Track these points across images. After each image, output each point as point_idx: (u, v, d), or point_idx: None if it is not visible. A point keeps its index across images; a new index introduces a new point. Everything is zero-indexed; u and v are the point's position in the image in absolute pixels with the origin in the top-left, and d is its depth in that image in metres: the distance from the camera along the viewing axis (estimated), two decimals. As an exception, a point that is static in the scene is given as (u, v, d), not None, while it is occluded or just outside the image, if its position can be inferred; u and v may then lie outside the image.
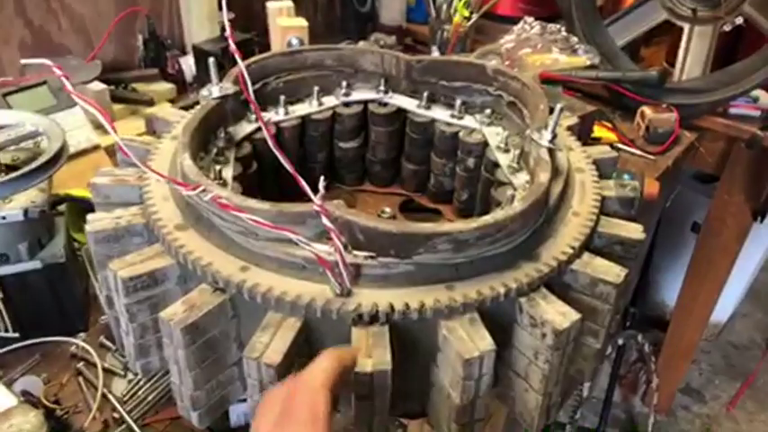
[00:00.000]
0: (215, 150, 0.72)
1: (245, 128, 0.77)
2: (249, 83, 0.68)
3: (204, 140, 0.71)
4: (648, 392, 2.09)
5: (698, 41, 1.37)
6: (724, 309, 2.30)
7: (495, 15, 1.68)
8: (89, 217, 0.62)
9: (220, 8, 1.42)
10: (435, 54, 1.54)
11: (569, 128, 0.80)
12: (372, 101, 0.86)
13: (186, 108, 0.86)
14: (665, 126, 1.32)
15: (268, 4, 1.37)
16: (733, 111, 1.39)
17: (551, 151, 0.64)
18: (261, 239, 0.54)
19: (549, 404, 0.59)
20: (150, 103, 1.30)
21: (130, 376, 0.78)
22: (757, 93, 1.39)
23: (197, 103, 0.75)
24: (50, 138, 0.77)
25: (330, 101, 0.86)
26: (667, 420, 2.17)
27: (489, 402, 0.55)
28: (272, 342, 0.50)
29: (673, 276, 2.18)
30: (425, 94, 0.84)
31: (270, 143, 0.61)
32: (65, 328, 0.82)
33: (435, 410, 0.58)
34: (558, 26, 1.45)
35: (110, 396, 0.74)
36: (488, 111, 0.81)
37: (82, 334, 0.83)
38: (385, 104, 0.86)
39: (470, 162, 0.81)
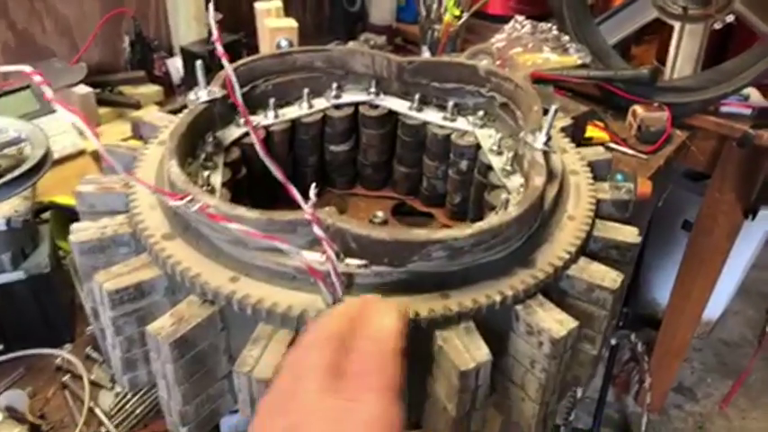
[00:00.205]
0: (203, 156, 0.70)
1: (233, 132, 0.75)
2: (237, 87, 0.67)
3: (192, 146, 0.69)
4: (641, 392, 2.10)
5: (689, 40, 1.37)
6: (715, 306, 2.31)
7: (485, 14, 1.68)
8: (73, 227, 0.60)
9: (207, 9, 1.40)
10: (426, 54, 1.53)
11: (563, 129, 0.79)
12: (363, 103, 0.85)
13: (174, 112, 0.85)
14: (656, 125, 1.32)
15: (256, 5, 1.35)
16: (724, 109, 1.39)
17: (546, 154, 0.63)
18: (251, 249, 0.53)
19: (547, 413, 0.58)
20: (137, 105, 1.28)
21: (118, 389, 0.76)
22: (748, 91, 1.39)
23: (185, 106, 0.73)
24: (34, 144, 0.75)
25: (320, 103, 0.84)
26: (660, 419, 2.18)
27: (486, 413, 0.54)
28: (263, 355, 0.49)
29: (664, 275, 2.18)
30: (417, 95, 0.82)
31: (259, 151, 0.59)
32: (50, 340, 0.80)
33: (431, 423, 0.57)
34: (549, 25, 1.44)
35: (97, 410, 0.73)
36: (481, 112, 0.80)
37: (68, 345, 0.82)
38: (376, 106, 0.84)
39: (463, 165, 0.80)
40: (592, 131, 1.32)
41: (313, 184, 0.49)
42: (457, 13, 1.51)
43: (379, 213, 0.81)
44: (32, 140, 0.76)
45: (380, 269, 0.52)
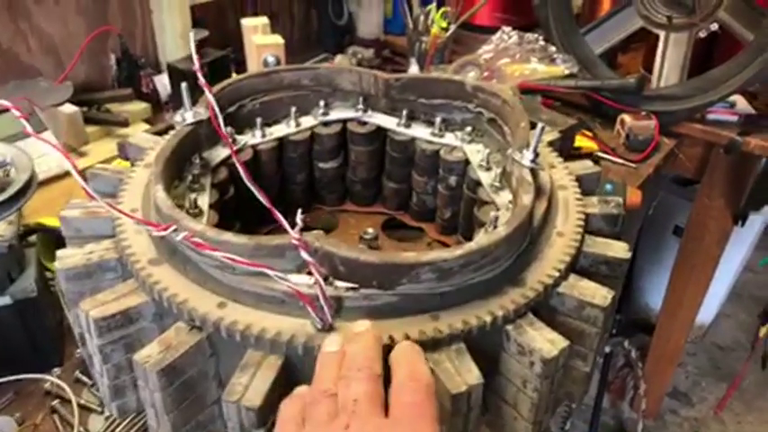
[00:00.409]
0: (190, 177, 0.70)
1: (220, 152, 0.75)
2: (221, 117, 0.66)
3: (178, 168, 0.69)
4: (636, 398, 2.10)
5: (674, 48, 1.38)
6: (708, 310, 2.32)
7: (472, 26, 1.68)
8: (59, 254, 0.59)
9: (194, 26, 1.40)
10: (414, 66, 1.54)
11: (550, 143, 0.79)
12: (351, 120, 0.85)
13: (160, 132, 0.84)
14: (644, 133, 1.33)
15: (243, 22, 1.35)
16: (711, 116, 1.40)
17: (534, 171, 0.63)
18: (238, 274, 0.52)
19: (540, 431, 0.58)
20: (125, 123, 1.28)
21: (108, 413, 0.75)
22: (734, 98, 1.40)
23: (172, 126, 0.73)
24: (18, 168, 0.75)
25: (308, 121, 0.84)
26: (656, 425, 2.18)
27: (479, 434, 0.54)
28: (252, 383, 0.48)
29: (657, 280, 2.19)
30: (405, 111, 0.82)
31: (244, 177, 0.59)
32: (38, 364, 0.79)
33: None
34: (536, 35, 1.45)
35: (86, 435, 0.72)
36: (469, 128, 0.80)
37: (57, 369, 0.80)
38: (364, 123, 0.84)
39: (452, 180, 0.80)
40: (580, 141, 1.32)
41: (299, 210, 0.49)
42: (444, 24, 1.52)
43: (370, 230, 0.81)
44: (17, 164, 0.76)
45: (370, 292, 0.52)
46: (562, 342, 0.52)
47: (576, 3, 1.77)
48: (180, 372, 0.51)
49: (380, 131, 0.84)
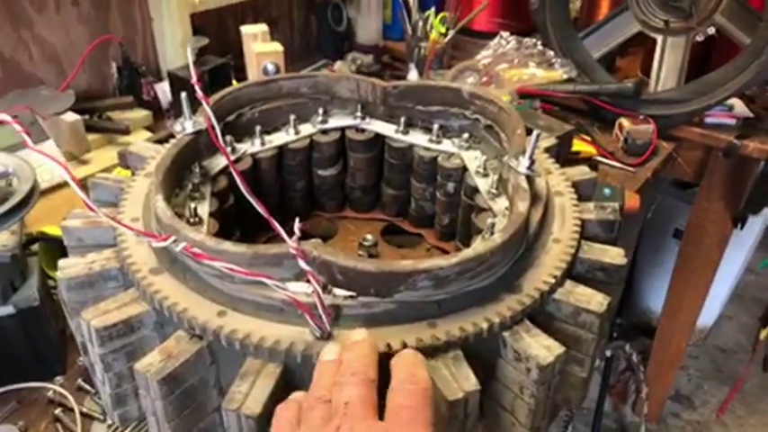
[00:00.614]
0: (190, 186, 0.70)
1: (220, 161, 0.76)
2: (218, 129, 0.67)
3: (179, 177, 0.70)
4: (638, 401, 2.10)
5: (671, 52, 1.39)
6: (710, 312, 2.32)
7: (471, 31, 1.69)
8: (61, 263, 0.60)
9: (195, 34, 1.41)
10: (413, 72, 1.55)
11: (547, 149, 0.79)
12: (350, 127, 0.85)
13: (161, 141, 0.85)
14: (642, 137, 1.33)
15: (243, 29, 1.36)
16: (709, 120, 1.41)
17: (530, 178, 0.64)
18: (237, 282, 0.53)
19: (538, 437, 0.58)
20: (126, 131, 1.29)
21: (110, 421, 0.76)
22: (732, 101, 1.40)
23: (173, 135, 0.74)
24: (21, 178, 0.75)
25: (307, 129, 0.85)
26: (658, 428, 2.18)
27: (476, 440, 0.55)
28: (251, 391, 0.49)
29: (657, 283, 2.19)
30: (402, 119, 0.83)
31: (242, 188, 0.60)
32: (41, 373, 0.80)
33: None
34: (534, 40, 1.46)
35: (89, 443, 0.72)
36: (466, 134, 0.81)
37: (59, 377, 0.81)
38: (362, 130, 0.85)
39: (450, 187, 0.81)
40: (579, 145, 1.33)
41: (297, 219, 0.49)
42: (443, 30, 1.53)
43: (369, 236, 0.82)
44: (19, 174, 0.76)
45: (367, 300, 0.52)
46: (558, 348, 0.52)
47: (574, 7, 1.78)
48: (181, 380, 0.52)
49: (379, 138, 0.85)
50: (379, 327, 0.52)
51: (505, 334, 0.54)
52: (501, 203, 0.70)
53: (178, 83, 1.31)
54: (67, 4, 1.29)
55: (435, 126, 0.82)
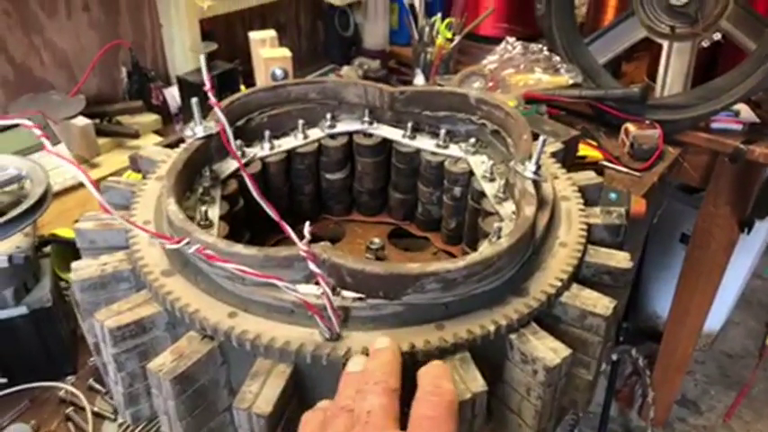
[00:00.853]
0: (200, 190, 0.71)
1: (230, 165, 0.77)
2: (230, 133, 0.68)
3: (189, 181, 0.71)
4: (645, 406, 2.10)
5: (677, 58, 1.39)
6: (717, 318, 2.31)
7: (477, 36, 1.70)
8: (74, 265, 0.61)
9: (204, 39, 1.43)
10: (419, 77, 1.56)
11: (553, 154, 0.80)
12: (357, 132, 0.86)
13: (171, 145, 0.86)
14: (649, 142, 1.34)
15: (251, 35, 1.38)
16: (715, 125, 1.41)
17: (536, 183, 0.65)
18: (248, 284, 0.54)
19: (544, 438, 0.59)
20: (135, 135, 1.30)
21: (121, 420, 0.77)
22: (738, 107, 1.41)
23: (182, 139, 0.75)
24: (34, 181, 0.77)
25: (315, 133, 0.86)
26: (664, 433, 2.17)
27: (483, 441, 0.55)
28: (262, 391, 0.50)
29: (664, 288, 2.19)
30: (410, 123, 0.84)
31: (253, 192, 0.61)
32: (53, 372, 0.81)
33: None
34: (540, 46, 1.46)
35: (100, 442, 0.73)
36: (473, 139, 0.81)
37: (71, 377, 0.82)
38: (370, 135, 0.86)
39: (457, 191, 0.81)
40: (585, 150, 1.33)
41: (307, 222, 0.50)
42: (449, 35, 1.54)
43: (376, 239, 0.82)
44: (32, 177, 0.78)
45: (376, 302, 0.53)
46: (565, 351, 0.53)
47: (580, 13, 1.79)
48: (192, 380, 0.53)
49: (386, 143, 0.86)
50: (387, 329, 0.53)
51: (512, 336, 0.55)
52: (508, 208, 0.71)
53: (187, 88, 1.32)
54: (78, 10, 1.31)
55: (442, 131, 0.83)
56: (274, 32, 1.38)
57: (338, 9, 1.73)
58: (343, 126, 0.86)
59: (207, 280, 0.57)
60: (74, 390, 0.80)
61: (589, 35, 1.50)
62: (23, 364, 0.80)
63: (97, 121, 1.27)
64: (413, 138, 0.84)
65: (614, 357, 1.89)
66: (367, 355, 0.50)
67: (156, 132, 1.36)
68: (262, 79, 1.35)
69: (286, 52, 1.32)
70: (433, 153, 0.83)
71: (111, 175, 1.05)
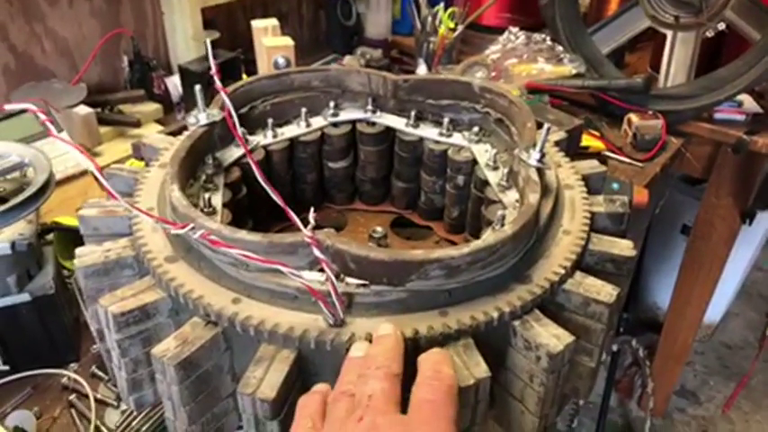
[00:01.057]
0: (204, 177, 0.71)
1: (233, 153, 0.77)
2: (235, 118, 0.68)
3: (192, 168, 0.71)
4: (644, 396, 2.10)
5: (681, 48, 1.38)
6: (717, 309, 2.32)
7: (480, 26, 1.69)
8: (77, 251, 0.61)
9: (205, 28, 1.42)
10: (422, 67, 1.55)
11: (557, 143, 0.80)
12: (360, 120, 0.86)
13: (173, 133, 0.86)
14: (651, 133, 1.33)
15: (253, 23, 1.37)
16: (718, 116, 1.40)
17: (540, 171, 0.64)
18: (252, 270, 0.54)
19: (546, 425, 0.59)
20: (137, 124, 1.30)
21: (124, 407, 0.77)
22: (741, 97, 1.40)
23: (184, 127, 0.75)
24: (37, 169, 0.77)
25: (318, 122, 0.85)
26: (663, 423, 2.18)
27: (486, 427, 0.55)
28: (266, 376, 0.50)
29: (664, 279, 2.19)
30: (413, 112, 0.84)
31: (259, 178, 0.61)
32: (56, 360, 0.81)
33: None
34: (543, 36, 1.46)
35: (103, 429, 0.74)
36: (476, 128, 0.81)
37: (73, 364, 0.83)
38: (373, 124, 0.86)
39: (460, 180, 0.81)
40: (588, 140, 1.33)
41: (312, 209, 0.50)
42: (452, 25, 1.53)
43: (379, 228, 0.82)
44: (35, 165, 0.77)
45: (380, 288, 0.53)
46: (568, 337, 0.53)
47: (584, 2, 1.78)
48: (196, 365, 0.53)
49: (389, 132, 0.86)
50: (390, 315, 0.53)
51: (515, 323, 0.55)
52: (511, 196, 0.70)
53: (189, 76, 1.32)
54: (80, -2, 1.31)
55: (445, 119, 0.82)
56: (276, 21, 1.37)
57: (340, -2, 1.72)
58: (346, 114, 0.86)
59: (210, 266, 0.57)
60: (76, 377, 0.80)
61: (592, 25, 1.49)
62: (26, 351, 0.80)
63: (99, 109, 1.27)
64: (416, 126, 0.84)
65: (614, 348, 1.90)
66: (370, 341, 0.51)
67: (158, 121, 1.36)
68: (264, 68, 1.35)
69: (288, 41, 1.31)
70: (437, 142, 0.83)
71: (113, 163, 1.05)
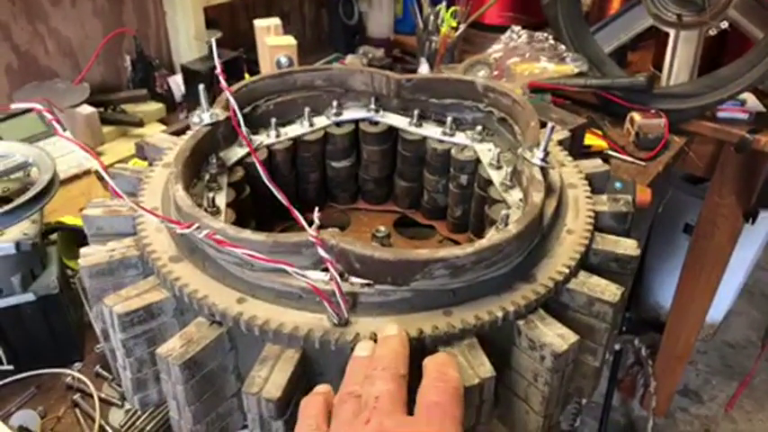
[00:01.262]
0: (207, 177, 0.71)
1: (237, 152, 0.77)
2: (240, 117, 0.68)
3: (196, 168, 0.71)
4: (647, 395, 2.10)
5: (684, 46, 1.38)
6: (719, 308, 2.31)
7: (482, 25, 1.69)
8: (82, 251, 0.61)
9: (208, 27, 1.42)
10: (424, 66, 1.55)
11: (560, 142, 0.80)
12: (363, 120, 0.86)
13: (177, 133, 0.86)
14: (654, 132, 1.33)
15: (255, 23, 1.37)
16: (721, 114, 1.40)
17: (544, 170, 0.64)
18: (257, 270, 0.54)
19: (551, 424, 0.59)
20: (140, 123, 1.30)
21: (128, 406, 0.77)
22: (744, 96, 1.40)
23: (188, 126, 0.75)
24: (41, 169, 0.77)
25: (321, 121, 0.85)
26: (666, 423, 2.18)
27: (490, 427, 0.55)
28: (271, 376, 0.50)
29: (667, 278, 2.19)
30: (416, 111, 0.84)
31: (264, 178, 0.61)
32: (60, 359, 0.82)
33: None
34: (546, 34, 1.46)
35: (107, 428, 0.74)
36: (479, 127, 0.81)
37: (78, 364, 0.83)
38: (376, 123, 0.86)
39: (463, 179, 0.81)
40: (590, 139, 1.33)
41: (316, 209, 0.50)
42: (454, 24, 1.53)
43: (382, 227, 0.82)
44: (39, 165, 0.78)
45: (384, 288, 0.53)
46: (572, 337, 0.53)
47: (586, 1, 1.77)
48: (201, 365, 0.53)
49: (392, 131, 0.86)
50: (395, 314, 0.53)
51: (520, 322, 0.55)
52: (515, 195, 0.70)
53: (191, 76, 1.32)
54: (82, -2, 1.31)
55: (449, 119, 0.82)
56: (279, 20, 1.37)
57: (342, -3, 1.72)
58: (349, 114, 0.86)
59: (215, 266, 0.57)
60: (81, 376, 0.80)
61: (595, 24, 1.49)
62: (30, 350, 0.80)
63: (101, 109, 1.27)
64: (419, 125, 0.84)
65: (617, 347, 1.89)
66: (375, 340, 0.51)
67: (161, 121, 1.36)
68: (266, 67, 1.35)
69: (291, 40, 1.31)
70: (440, 141, 0.83)
71: (116, 163, 1.05)
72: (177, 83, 1.40)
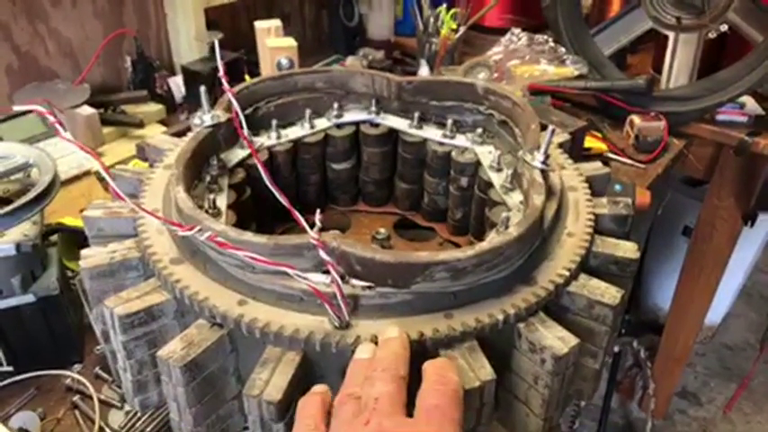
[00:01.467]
0: (208, 178, 0.71)
1: (238, 154, 0.77)
2: (242, 118, 0.68)
3: (197, 169, 0.71)
4: (645, 397, 2.10)
5: (683, 49, 1.39)
6: (717, 310, 2.32)
7: (482, 27, 1.70)
8: (83, 253, 0.61)
9: (208, 28, 1.42)
10: (424, 68, 1.55)
11: (560, 145, 0.80)
12: (364, 122, 0.86)
13: (178, 134, 0.86)
14: (653, 134, 1.33)
15: (256, 24, 1.37)
16: (720, 117, 1.41)
17: (544, 172, 0.65)
18: (258, 272, 0.54)
19: (551, 427, 0.59)
20: (140, 124, 1.30)
21: (127, 408, 0.77)
22: (744, 99, 1.40)
23: (188, 128, 0.75)
24: (41, 170, 0.77)
25: (322, 123, 0.86)
26: (664, 425, 2.18)
27: (490, 429, 0.55)
28: (272, 378, 0.50)
29: (666, 280, 2.19)
30: (416, 113, 0.84)
31: (266, 180, 0.61)
32: (60, 360, 0.82)
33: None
34: (546, 37, 1.46)
35: (107, 430, 0.74)
36: (480, 129, 0.81)
37: (77, 365, 0.83)
38: (377, 125, 0.86)
39: (463, 181, 0.81)
40: (590, 142, 1.33)
41: (318, 211, 0.50)
42: (454, 26, 1.53)
43: (382, 230, 0.82)
44: (40, 166, 0.78)
45: (385, 290, 0.53)
46: (573, 340, 0.53)
47: (586, 4, 1.78)
48: (202, 367, 0.53)
49: (393, 133, 0.86)
50: (396, 317, 0.53)
51: (520, 325, 0.55)
52: (515, 198, 0.71)
53: (192, 77, 1.32)
54: (83, -1, 1.31)
55: (449, 121, 0.82)
56: (279, 22, 1.37)
57: (342, -1, 1.72)
58: (350, 116, 0.86)
59: (216, 268, 0.57)
60: (80, 378, 0.80)
61: (595, 26, 1.49)
62: (30, 352, 0.80)
63: (102, 110, 1.27)
64: (419, 128, 0.84)
65: (616, 349, 1.90)
66: (376, 343, 0.51)
67: (161, 122, 1.36)
68: (267, 69, 1.35)
69: (292, 42, 1.31)
70: (440, 143, 0.83)
71: (117, 164, 1.05)
72: (177, 84, 1.40)
